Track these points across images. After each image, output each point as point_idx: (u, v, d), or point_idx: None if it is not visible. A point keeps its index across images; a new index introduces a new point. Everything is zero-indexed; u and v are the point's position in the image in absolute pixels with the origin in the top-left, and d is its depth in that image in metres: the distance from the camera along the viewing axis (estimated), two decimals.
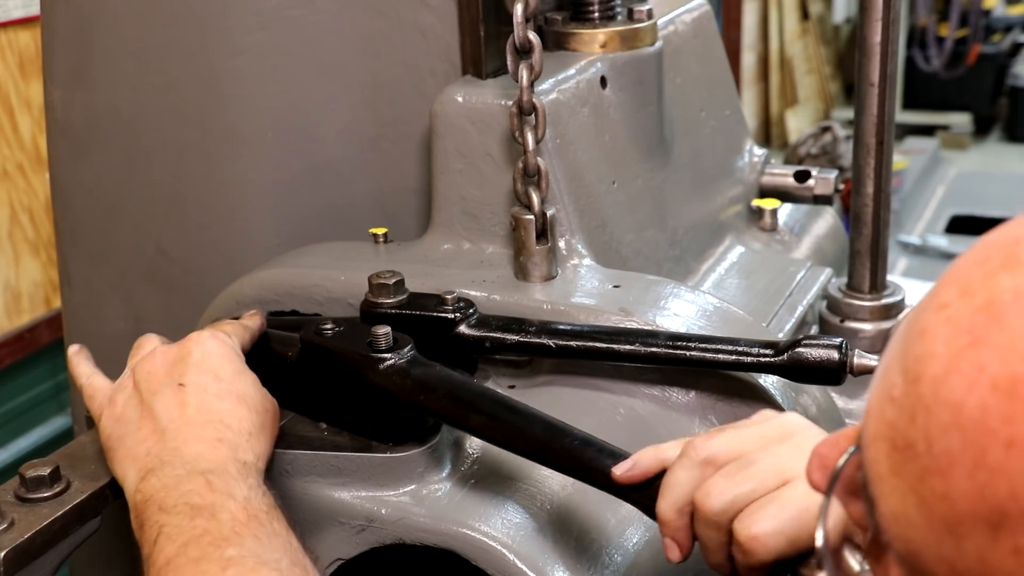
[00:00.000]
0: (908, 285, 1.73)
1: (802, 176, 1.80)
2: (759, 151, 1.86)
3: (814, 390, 1.29)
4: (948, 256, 5.00)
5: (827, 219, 1.92)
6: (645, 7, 1.54)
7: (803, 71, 8.70)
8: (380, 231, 1.49)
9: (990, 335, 0.57)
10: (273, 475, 1.19)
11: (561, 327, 1.24)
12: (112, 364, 1.28)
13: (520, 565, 1.08)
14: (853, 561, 0.82)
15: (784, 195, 1.83)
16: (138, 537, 1.05)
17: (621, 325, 1.25)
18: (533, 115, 1.32)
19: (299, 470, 1.19)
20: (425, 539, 1.13)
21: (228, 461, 1.09)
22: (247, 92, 1.54)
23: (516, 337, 1.24)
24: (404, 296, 1.27)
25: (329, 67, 1.54)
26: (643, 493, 1.00)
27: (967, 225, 5.39)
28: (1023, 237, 0.61)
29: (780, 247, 1.80)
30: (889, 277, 1.65)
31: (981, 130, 8.72)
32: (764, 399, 1.22)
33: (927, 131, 8.07)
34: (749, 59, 8.01)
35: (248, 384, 1.18)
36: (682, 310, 1.29)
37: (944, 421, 0.57)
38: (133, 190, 1.64)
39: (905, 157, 5.85)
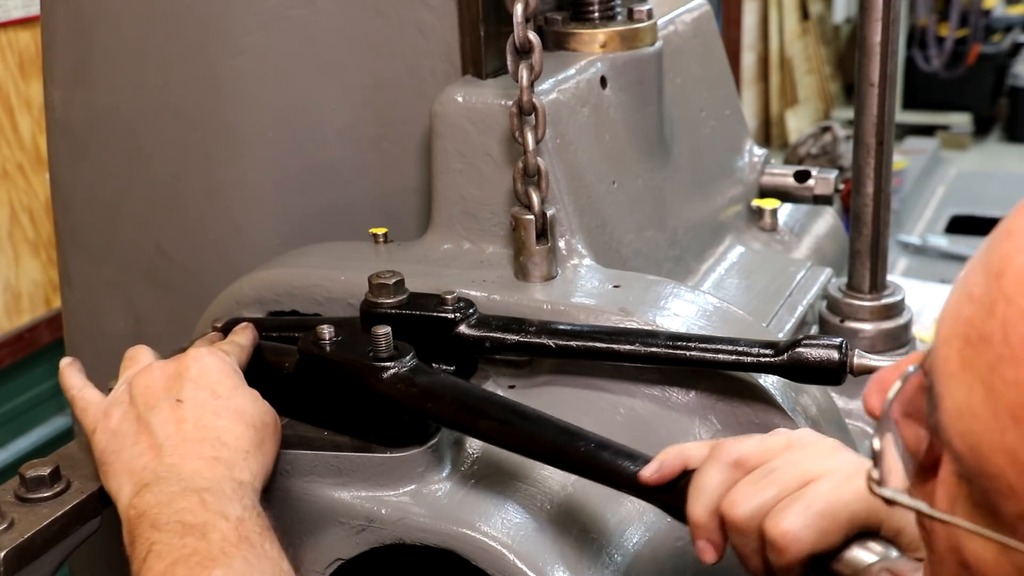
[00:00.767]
0: (908, 285, 1.74)
1: (802, 176, 1.80)
2: (759, 151, 1.86)
3: (814, 390, 1.29)
4: (948, 256, 5.00)
5: (827, 219, 1.92)
6: (645, 7, 1.54)
7: (803, 71, 8.70)
8: (380, 231, 1.49)
9: None
10: (273, 475, 1.19)
11: (561, 327, 1.24)
12: (112, 364, 1.28)
13: (520, 565, 1.08)
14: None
15: (784, 195, 1.83)
16: (129, 553, 1.05)
17: (621, 325, 1.25)
18: (533, 115, 1.32)
19: (299, 470, 1.19)
20: (425, 539, 1.13)
21: (224, 480, 1.08)
22: (247, 92, 1.54)
23: (516, 337, 1.24)
24: (404, 296, 1.27)
25: (329, 67, 1.54)
26: (668, 495, 1.00)
27: (967, 225, 5.38)
28: None
29: (780, 247, 1.80)
30: (889, 277, 1.65)
31: (981, 130, 8.72)
32: (764, 399, 1.22)
33: (927, 131, 8.07)
34: (749, 59, 8.01)
35: (246, 399, 1.17)
36: (682, 310, 1.29)
37: None
38: (133, 190, 1.64)
39: (905, 157, 5.85)
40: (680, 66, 1.68)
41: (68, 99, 1.66)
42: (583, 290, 1.33)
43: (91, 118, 1.64)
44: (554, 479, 1.17)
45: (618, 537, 1.18)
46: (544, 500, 1.16)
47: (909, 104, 8.57)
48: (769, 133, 8.51)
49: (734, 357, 1.17)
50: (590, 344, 1.21)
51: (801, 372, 1.15)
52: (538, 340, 1.23)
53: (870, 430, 1.59)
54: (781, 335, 1.54)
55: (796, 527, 0.91)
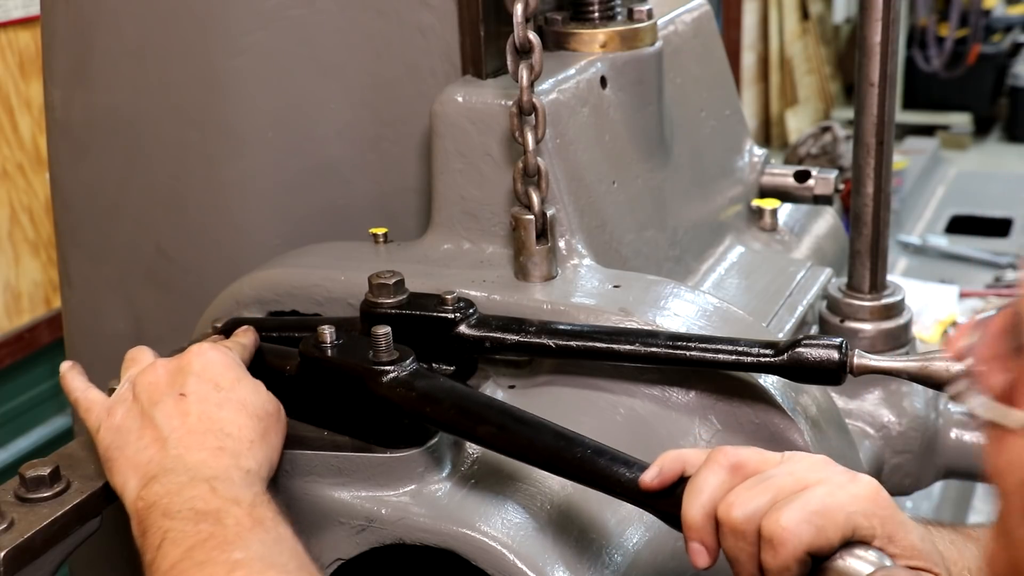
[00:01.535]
0: (908, 285, 1.73)
1: (802, 176, 1.80)
2: (759, 151, 1.86)
3: (814, 390, 1.29)
4: (948, 256, 5.00)
5: (827, 219, 1.92)
6: (645, 7, 1.54)
7: (803, 71, 8.70)
8: (380, 231, 1.49)
9: None
10: (277, 470, 1.19)
11: (561, 327, 1.24)
12: (112, 364, 1.28)
13: (520, 565, 1.08)
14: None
15: (784, 195, 1.83)
16: (140, 544, 1.05)
17: (621, 325, 1.25)
18: (533, 115, 1.32)
19: (299, 470, 1.19)
20: (425, 539, 1.13)
21: (231, 468, 1.09)
22: (247, 92, 1.54)
23: (516, 337, 1.24)
24: (404, 296, 1.27)
25: (329, 67, 1.54)
26: (665, 501, 1.00)
27: (967, 225, 5.38)
28: None
29: (780, 247, 1.80)
30: (889, 277, 1.65)
31: (981, 130, 8.72)
32: (764, 399, 1.22)
33: (927, 131, 8.07)
34: (749, 59, 8.01)
35: (249, 391, 1.17)
36: (682, 310, 1.29)
37: None
38: (133, 190, 1.64)
39: (905, 157, 5.85)
40: (680, 66, 1.68)
41: (68, 99, 1.66)
42: (583, 290, 1.33)
43: (91, 118, 1.64)
44: (554, 479, 1.17)
45: (618, 537, 1.18)
46: (544, 500, 1.16)
47: (909, 104, 8.57)
48: (769, 133, 8.51)
49: (734, 357, 1.17)
50: (590, 344, 1.21)
51: (801, 372, 1.15)
52: (538, 340, 1.23)
53: (870, 430, 1.60)
54: (781, 335, 1.54)
55: (794, 522, 0.92)
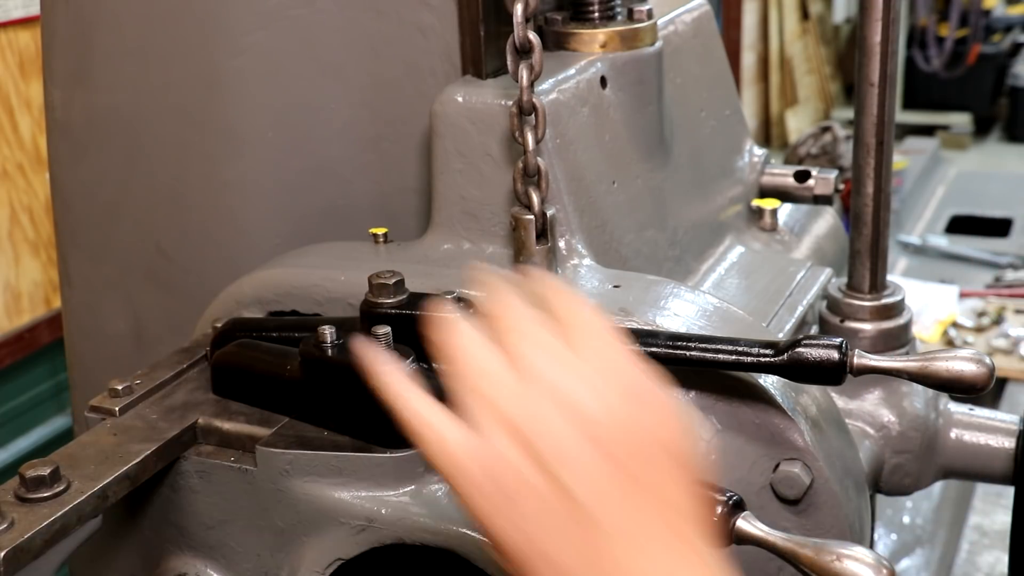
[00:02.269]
0: (908, 285, 1.73)
1: (802, 176, 1.80)
2: (759, 151, 1.86)
3: (814, 390, 1.29)
4: (948, 256, 5.00)
5: (827, 219, 1.92)
6: (645, 7, 1.54)
7: (803, 71, 8.70)
8: (380, 231, 1.49)
9: None
10: (273, 475, 1.19)
11: None
12: (112, 364, 1.29)
13: None
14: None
15: (784, 195, 1.83)
16: None
17: (621, 325, 1.25)
18: (533, 115, 1.32)
19: (299, 470, 1.19)
20: (425, 539, 1.13)
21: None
22: (247, 92, 1.54)
23: None
24: (404, 296, 1.27)
25: (329, 67, 1.54)
26: None
27: (967, 225, 5.38)
28: None
29: (780, 247, 1.80)
30: (889, 277, 1.65)
31: (981, 130, 8.73)
32: (764, 399, 1.22)
33: (927, 131, 8.07)
34: (749, 59, 8.01)
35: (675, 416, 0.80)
36: (682, 310, 1.29)
37: None
38: (133, 190, 1.64)
39: (905, 157, 5.85)
40: (680, 66, 1.68)
41: (68, 99, 1.66)
42: (583, 290, 1.33)
43: (91, 118, 1.64)
44: None
45: None
46: None
47: (909, 104, 8.58)
48: (769, 133, 8.51)
49: (734, 357, 1.17)
50: None
51: (801, 372, 1.15)
52: None
53: (870, 430, 1.60)
54: (781, 335, 1.54)
55: None
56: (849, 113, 5.56)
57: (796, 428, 1.21)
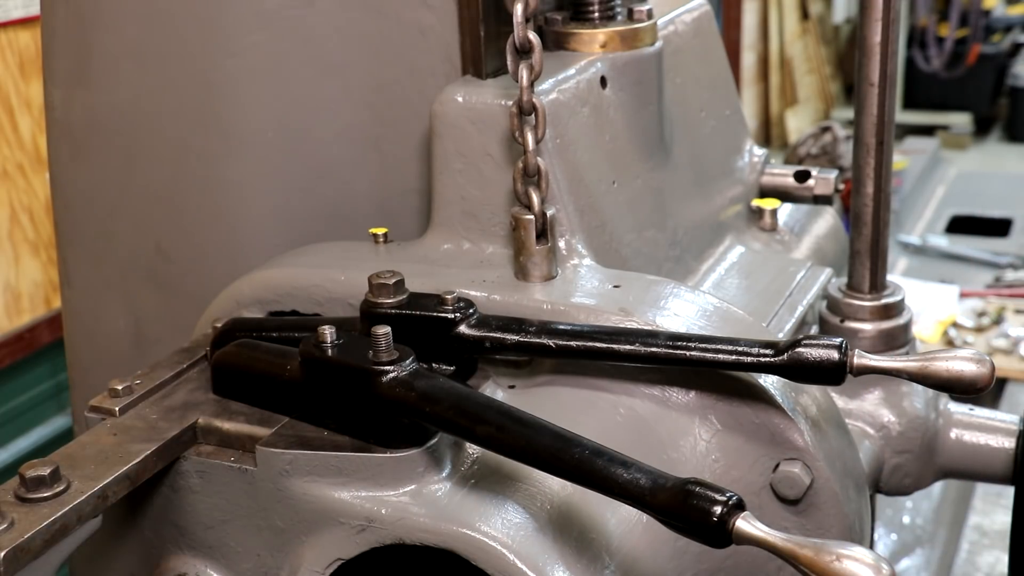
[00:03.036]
0: (908, 285, 1.73)
1: (802, 176, 1.80)
2: (759, 151, 1.86)
3: (814, 390, 1.29)
4: (948, 256, 5.00)
5: (827, 219, 1.92)
6: (645, 7, 1.54)
7: (803, 71, 8.70)
8: (380, 231, 1.49)
9: None
10: (273, 475, 1.19)
11: (561, 327, 1.24)
12: (112, 364, 1.29)
13: (520, 565, 1.08)
14: None
15: (784, 195, 1.83)
16: None
17: (621, 325, 1.25)
18: (533, 115, 1.32)
19: (299, 470, 1.19)
20: (425, 539, 1.13)
21: None
22: (247, 92, 1.54)
23: (516, 337, 1.24)
24: (404, 296, 1.27)
25: (329, 67, 1.54)
26: (661, 503, 1.00)
27: (967, 225, 5.39)
28: None
29: (780, 247, 1.80)
30: (889, 277, 1.65)
31: (981, 130, 8.73)
32: (764, 399, 1.22)
33: (927, 131, 8.08)
34: (749, 59, 8.02)
35: None
36: (682, 310, 1.29)
37: None
38: (133, 190, 1.64)
39: (905, 157, 5.86)
40: (680, 66, 1.68)
41: (68, 99, 1.66)
42: (583, 290, 1.33)
43: (91, 118, 1.64)
44: (554, 479, 1.17)
45: (618, 537, 1.18)
46: (544, 500, 1.16)
47: (909, 104, 8.58)
48: (769, 133, 8.51)
49: (734, 357, 1.17)
50: (590, 344, 1.21)
51: (801, 372, 1.15)
52: (538, 340, 1.23)
53: (870, 430, 1.60)
54: (781, 335, 1.54)
55: None
56: (849, 113, 5.56)
57: (796, 428, 1.21)
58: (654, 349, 1.19)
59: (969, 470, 1.64)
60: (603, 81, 1.48)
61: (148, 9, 1.55)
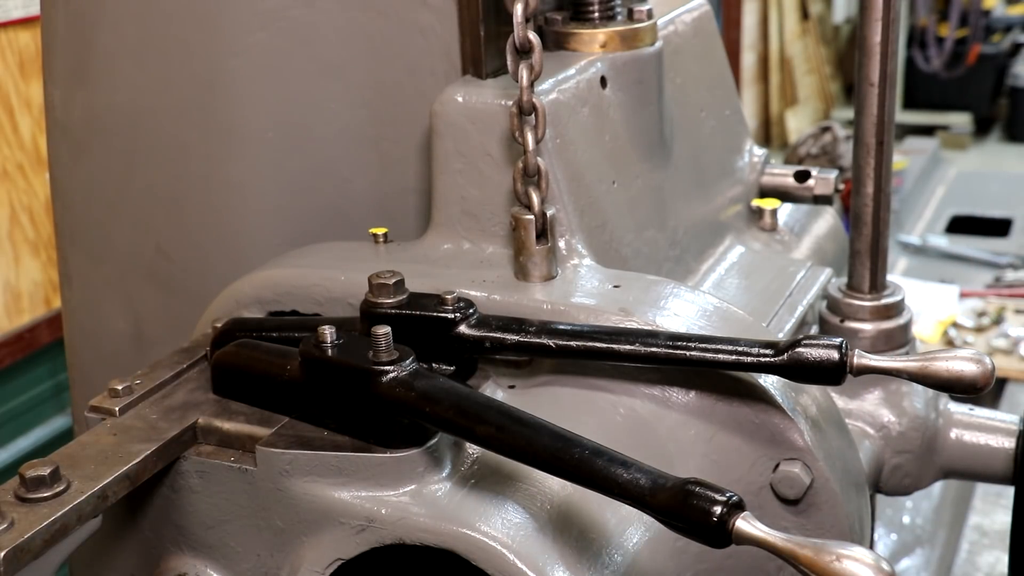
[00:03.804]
0: (908, 285, 1.73)
1: (802, 176, 1.80)
2: (759, 151, 1.86)
3: (814, 390, 1.29)
4: (948, 256, 5.00)
5: (827, 219, 1.92)
6: (645, 7, 1.54)
7: (803, 71, 8.70)
8: (380, 231, 1.49)
9: None
10: (273, 475, 1.19)
11: (561, 327, 1.24)
12: (112, 364, 1.29)
13: (520, 565, 1.08)
14: None
15: (784, 195, 1.83)
16: None
17: (621, 325, 1.25)
18: (533, 115, 1.32)
19: (299, 470, 1.19)
20: (425, 539, 1.13)
21: None
22: (247, 92, 1.54)
23: (516, 337, 1.24)
24: (404, 296, 1.27)
25: (329, 67, 1.54)
26: (660, 503, 1.00)
27: (967, 225, 5.39)
28: None
29: (780, 247, 1.80)
30: (889, 277, 1.65)
31: (981, 130, 8.73)
32: (764, 399, 1.22)
33: (927, 131, 8.08)
34: (749, 59, 8.02)
35: None
36: (682, 310, 1.29)
37: None
38: (133, 190, 1.64)
39: (905, 157, 5.86)
40: (680, 66, 1.68)
41: (68, 99, 1.66)
42: (583, 290, 1.33)
43: (91, 118, 1.64)
44: (554, 479, 1.17)
45: (618, 537, 1.18)
46: (544, 500, 1.16)
47: (909, 104, 8.58)
48: (769, 133, 8.52)
49: (734, 357, 1.17)
50: (590, 344, 1.21)
51: (801, 372, 1.15)
52: (538, 340, 1.23)
53: (870, 430, 1.60)
54: (781, 335, 1.54)
55: None
56: (849, 113, 5.56)
57: (796, 428, 1.21)
58: (654, 349, 1.19)
59: (969, 470, 1.64)
60: (603, 81, 1.48)
61: (148, 9, 1.55)
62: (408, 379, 1.15)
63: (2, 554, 1.03)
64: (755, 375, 1.21)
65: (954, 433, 1.62)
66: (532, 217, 1.33)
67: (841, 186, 1.82)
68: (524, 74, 1.31)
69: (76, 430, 1.80)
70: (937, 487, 2.83)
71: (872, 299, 1.61)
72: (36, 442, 3.47)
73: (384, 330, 1.17)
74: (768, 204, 1.82)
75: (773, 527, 0.96)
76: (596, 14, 1.53)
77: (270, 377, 1.26)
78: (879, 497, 1.68)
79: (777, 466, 1.22)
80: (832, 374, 1.14)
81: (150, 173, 1.62)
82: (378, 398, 1.15)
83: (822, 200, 1.80)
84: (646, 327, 1.24)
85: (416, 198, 1.58)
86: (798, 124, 8.34)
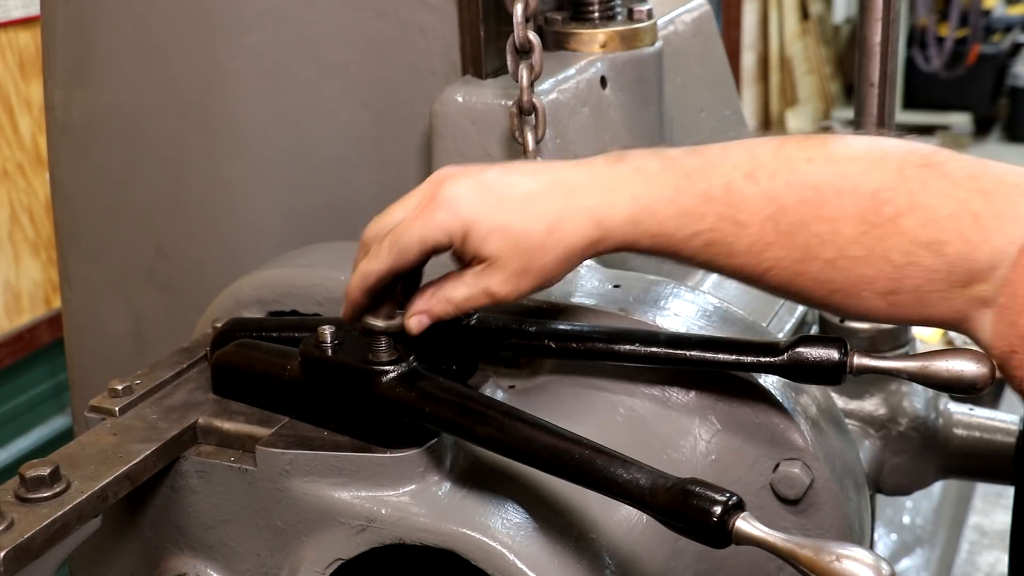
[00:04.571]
0: None
1: None
2: None
3: (814, 390, 1.29)
4: None
5: None
6: (645, 7, 1.54)
7: (803, 71, 8.70)
8: None
9: None
10: (273, 475, 1.19)
11: (561, 327, 1.24)
12: (112, 364, 1.29)
13: (520, 565, 1.08)
14: None
15: None
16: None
17: (621, 325, 1.25)
18: (533, 115, 1.32)
19: (299, 470, 1.19)
20: (425, 539, 1.13)
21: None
22: (247, 92, 1.54)
23: (516, 337, 1.24)
24: None
25: (329, 67, 1.54)
26: (660, 503, 1.00)
27: None
28: None
29: None
30: None
31: (981, 130, 8.72)
32: (764, 399, 1.22)
33: (927, 131, 8.07)
34: (749, 59, 8.01)
35: None
36: (682, 310, 1.29)
37: None
38: (133, 190, 1.64)
39: None
40: (680, 66, 1.68)
41: (68, 99, 1.66)
42: (583, 290, 1.33)
43: (91, 118, 1.64)
44: (554, 479, 1.17)
45: (618, 537, 1.18)
46: (544, 500, 1.16)
47: (909, 104, 8.57)
48: (769, 133, 8.50)
49: (734, 357, 1.17)
50: (590, 344, 1.21)
51: (801, 372, 1.15)
52: (538, 340, 1.23)
53: (870, 430, 1.60)
54: (781, 335, 1.54)
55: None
56: (849, 113, 5.56)
57: (796, 428, 1.21)
58: (654, 349, 1.19)
59: (969, 470, 1.64)
60: (603, 81, 1.48)
61: (148, 9, 1.56)
62: (408, 379, 1.15)
63: (2, 554, 1.03)
64: (755, 375, 1.21)
65: (954, 433, 1.62)
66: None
67: None
68: (524, 74, 1.31)
69: (76, 430, 1.80)
70: (937, 487, 2.82)
71: None
72: (36, 442, 3.47)
73: None
74: None
75: (773, 527, 0.96)
76: (596, 14, 1.53)
77: (270, 377, 1.26)
78: (879, 497, 1.68)
79: (777, 466, 1.22)
80: (832, 374, 1.14)
81: (150, 173, 1.62)
82: (378, 398, 1.15)
83: None
84: (646, 327, 1.24)
85: None
86: (798, 124, 8.34)
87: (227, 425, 1.26)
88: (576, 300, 1.30)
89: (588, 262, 1.39)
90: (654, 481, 1.01)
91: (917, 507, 2.78)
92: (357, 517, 1.16)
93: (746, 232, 1.02)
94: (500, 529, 1.11)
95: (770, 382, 1.22)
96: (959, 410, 1.63)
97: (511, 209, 1.08)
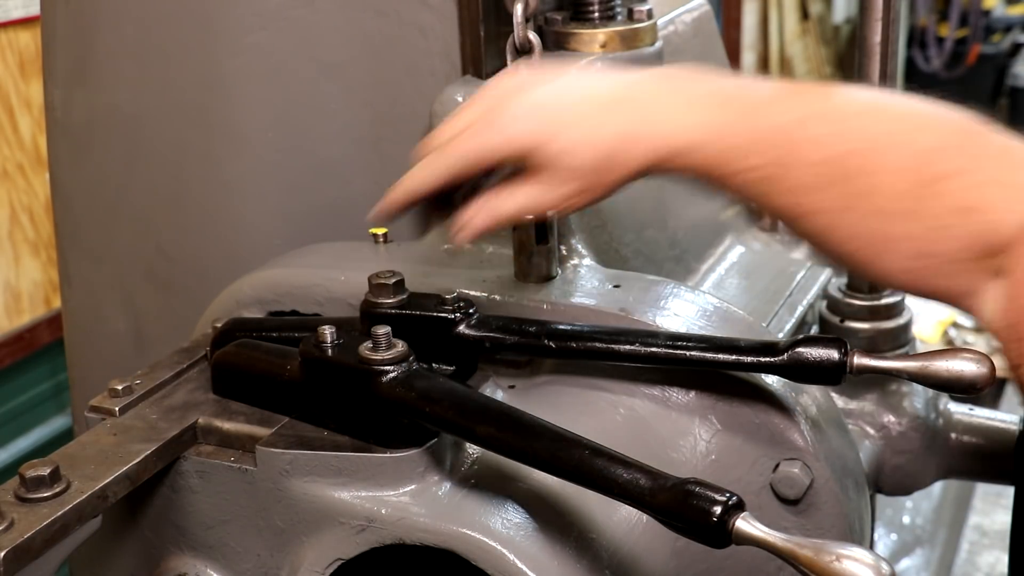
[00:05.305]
0: None
1: None
2: None
3: (814, 390, 1.29)
4: None
5: None
6: (645, 7, 1.54)
7: (803, 71, 8.70)
8: (380, 231, 1.49)
9: None
10: (273, 475, 1.19)
11: (561, 327, 1.24)
12: (112, 364, 1.29)
13: (520, 565, 1.08)
14: None
15: None
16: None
17: (621, 325, 1.25)
18: None
19: (299, 470, 1.19)
20: (425, 539, 1.13)
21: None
22: (247, 92, 1.54)
23: (516, 337, 1.24)
24: (404, 296, 1.27)
25: (329, 67, 1.54)
26: (660, 503, 1.00)
27: None
28: None
29: (780, 247, 1.80)
30: None
31: None
32: (764, 399, 1.22)
33: None
34: (749, 59, 8.01)
35: None
36: (682, 310, 1.29)
37: None
38: (133, 190, 1.64)
39: None
40: (680, 66, 1.67)
41: (68, 99, 1.66)
42: (583, 290, 1.33)
43: (91, 118, 1.64)
44: (554, 479, 1.17)
45: (618, 537, 1.18)
46: (544, 500, 1.16)
47: None
48: None
49: (734, 357, 1.17)
50: (590, 344, 1.21)
51: (801, 372, 1.15)
52: (538, 340, 1.23)
53: (870, 430, 1.60)
54: (781, 335, 1.54)
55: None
56: None
57: (796, 428, 1.21)
58: (654, 349, 1.19)
59: (969, 470, 1.64)
60: None
61: (148, 9, 1.56)
62: (408, 379, 1.15)
63: (2, 554, 1.03)
64: (755, 375, 1.21)
65: (954, 433, 1.62)
66: (532, 217, 1.33)
67: None
68: None
69: (76, 430, 1.80)
70: (937, 487, 2.82)
71: (872, 299, 1.61)
72: (36, 442, 3.47)
73: (384, 330, 1.17)
74: None
75: (773, 527, 0.96)
76: (596, 14, 1.53)
77: (270, 377, 1.26)
78: (879, 497, 1.68)
79: (777, 466, 1.22)
80: (832, 374, 1.14)
81: (150, 173, 1.62)
82: (378, 398, 1.15)
83: None
84: (646, 327, 1.24)
85: None
86: None
87: (227, 425, 1.26)
88: (576, 300, 1.30)
89: (588, 262, 1.39)
90: (654, 481, 1.01)
91: (917, 507, 2.77)
92: (357, 517, 1.16)
93: (792, 175, 1.02)
94: (500, 529, 1.11)
95: (770, 382, 1.22)
96: (959, 410, 1.63)
97: (580, 120, 1.08)
